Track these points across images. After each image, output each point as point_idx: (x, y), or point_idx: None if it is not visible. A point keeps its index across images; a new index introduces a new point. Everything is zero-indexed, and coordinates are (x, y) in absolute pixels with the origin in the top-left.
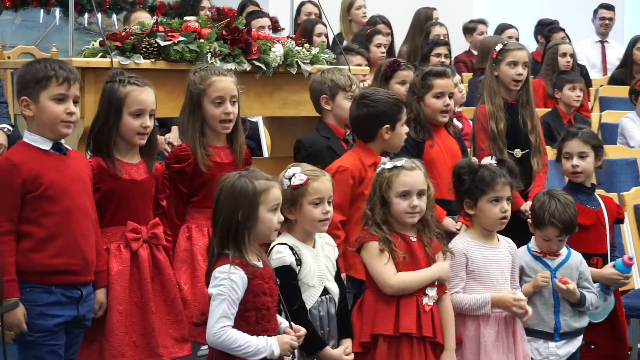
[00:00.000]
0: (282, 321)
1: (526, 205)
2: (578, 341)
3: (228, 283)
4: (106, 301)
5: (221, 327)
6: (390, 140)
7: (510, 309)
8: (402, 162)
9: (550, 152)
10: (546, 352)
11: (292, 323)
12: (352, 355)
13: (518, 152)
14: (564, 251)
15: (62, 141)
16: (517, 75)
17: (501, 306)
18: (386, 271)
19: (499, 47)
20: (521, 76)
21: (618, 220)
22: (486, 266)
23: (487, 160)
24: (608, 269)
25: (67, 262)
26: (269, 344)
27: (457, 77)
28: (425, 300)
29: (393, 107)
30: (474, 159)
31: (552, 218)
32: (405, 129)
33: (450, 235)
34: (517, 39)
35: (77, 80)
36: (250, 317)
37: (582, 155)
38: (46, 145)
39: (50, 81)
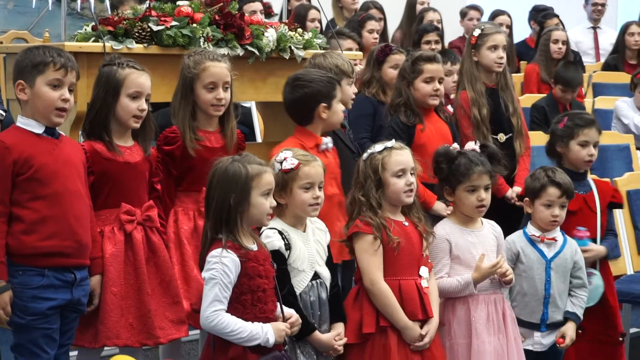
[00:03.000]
0: (284, 308)
1: (512, 192)
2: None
3: (220, 267)
4: (99, 288)
5: (213, 310)
6: (329, 118)
7: (494, 275)
8: (390, 143)
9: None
10: (531, 340)
11: (284, 308)
12: (343, 340)
13: (502, 137)
14: (560, 238)
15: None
16: (499, 58)
17: (484, 278)
18: (376, 270)
19: (477, 32)
20: (502, 59)
21: (613, 204)
22: (470, 250)
23: (471, 146)
24: None
25: (60, 245)
26: (264, 331)
27: (457, 67)
28: (423, 283)
29: (327, 84)
30: (454, 146)
31: (550, 178)
32: (341, 106)
33: (437, 219)
34: (509, 27)
35: (75, 69)
36: (246, 300)
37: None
38: (39, 129)
39: (48, 66)
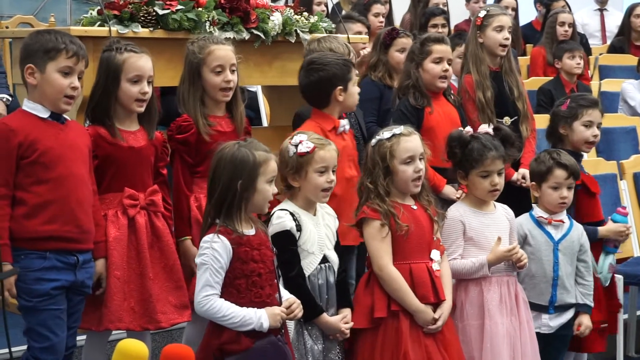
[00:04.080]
0: (285, 294)
1: (518, 175)
2: (570, 312)
3: (210, 252)
4: (105, 272)
5: (204, 295)
6: (345, 101)
7: (510, 260)
8: (399, 129)
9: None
10: (539, 322)
11: (283, 294)
12: (350, 324)
13: (507, 120)
14: (566, 220)
15: None
16: (505, 39)
17: (499, 261)
18: (384, 256)
19: (482, 13)
20: (508, 40)
21: None
22: (484, 232)
23: (484, 129)
24: (610, 226)
25: (61, 229)
26: (257, 315)
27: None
28: (435, 266)
29: (343, 67)
30: (467, 129)
31: (556, 161)
32: (357, 88)
33: (448, 203)
34: (515, 9)
35: (85, 57)
36: (241, 285)
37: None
38: (44, 114)
39: (60, 53)
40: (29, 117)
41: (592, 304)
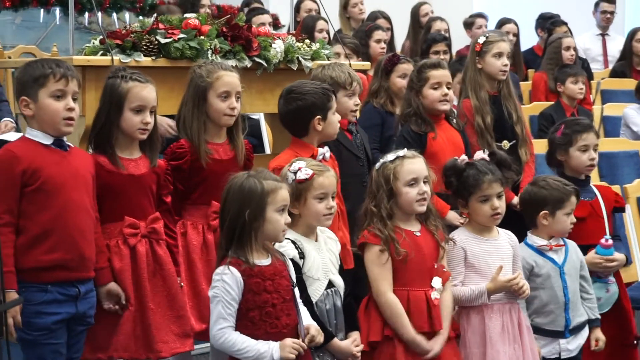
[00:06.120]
0: (308, 321)
1: (517, 199)
2: (585, 331)
3: (221, 284)
4: (121, 292)
5: (219, 328)
6: (324, 130)
7: (510, 290)
8: (402, 152)
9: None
10: (557, 348)
11: (303, 321)
12: (360, 347)
13: (506, 144)
14: (561, 242)
15: (64, 138)
16: (504, 66)
17: (499, 291)
18: (383, 282)
19: (481, 39)
20: (507, 66)
21: (617, 209)
22: (486, 259)
23: (479, 155)
24: (590, 255)
25: (62, 258)
26: (270, 348)
27: None
28: (434, 294)
29: (322, 96)
30: (462, 158)
31: (571, 187)
32: (337, 117)
33: (451, 229)
34: (516, 35)
35: (76, 77)
36: (255, 317)
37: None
38: (47, 140)
39: (48, 79)
40: (33, 144)
41: (599, 316)
